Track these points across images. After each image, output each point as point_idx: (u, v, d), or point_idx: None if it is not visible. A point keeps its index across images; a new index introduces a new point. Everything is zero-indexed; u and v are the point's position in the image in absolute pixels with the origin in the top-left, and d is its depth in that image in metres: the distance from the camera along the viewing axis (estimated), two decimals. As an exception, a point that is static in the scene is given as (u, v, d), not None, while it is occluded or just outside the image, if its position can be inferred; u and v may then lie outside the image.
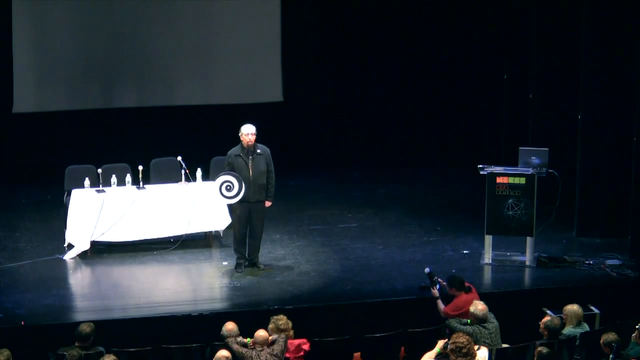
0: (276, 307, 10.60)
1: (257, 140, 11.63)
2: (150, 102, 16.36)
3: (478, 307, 9.80)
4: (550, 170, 11.97)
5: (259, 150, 11.66)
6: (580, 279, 11.65)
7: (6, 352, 9.08)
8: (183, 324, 10.51)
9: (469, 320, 9.81)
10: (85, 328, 9.48)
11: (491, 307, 9.94)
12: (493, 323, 9.83)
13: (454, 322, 9.91)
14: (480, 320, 9.76)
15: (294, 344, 9.72)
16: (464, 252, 12.47)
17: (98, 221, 12.21)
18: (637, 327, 9.46)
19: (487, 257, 12.05)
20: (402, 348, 10.01)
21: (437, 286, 10.52)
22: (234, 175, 11.53)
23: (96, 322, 9.81)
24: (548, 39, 13.95)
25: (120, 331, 10.32)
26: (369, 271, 11.88)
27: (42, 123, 16.00)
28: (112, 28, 15.91)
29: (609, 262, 12.04)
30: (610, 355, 9.00)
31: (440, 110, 16.98)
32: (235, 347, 9.40)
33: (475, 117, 16.71)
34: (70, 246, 12.31)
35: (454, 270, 11.32)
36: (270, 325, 9.65)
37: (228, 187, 11.56)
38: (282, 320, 9.64)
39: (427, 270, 10.57)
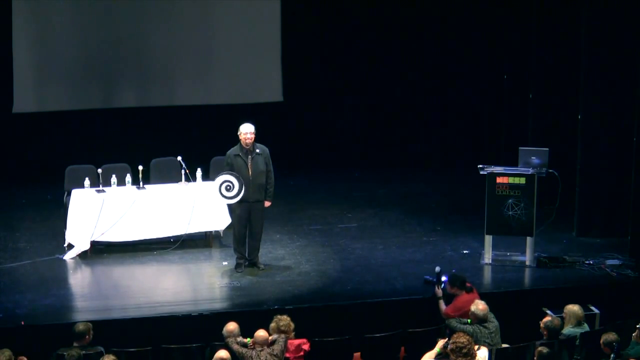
0: (276, 307, 10.60)
1: (257, 140, 11.64)
2: (150, 102, 16.34)
3: (479, 306, 9.79)
4: (550, 170, 11.96)
5: (258, 150, 11.66)
6: (580, 279, 11.64)
7: (7, 352, 9.06)
8: (183, 324, 10.50)
9: (469, 320, 9.81)
10: (80, 326, 9.49)
11: (491, 307, 9.92)
12: (493, 323, 9.82)
13: (454, 322, 9.90)
14: (480, 320, 9.76)
15: (294, 344, 9.71)
16: (464, 252, 12.47)
17: (98, 221, 12.21)
18: (637, 326, 9.45)
19: (487, 257, 12.05)
20: (402, 348, 10.01)
21: (442, 285, 10.51)
22: (233, 175, 11.53)
23: (96, 322, 9.82)
24: (548, 39, 13.94)
25: (120, 331, 10.32)
26: (369, 271, 11.88)
27: (42, 123, 15.99)
28: (112, 28, 15.90)
29: (609, 262, 12.04)
30: (611, 355, 8.99)
31: (440, 110, 16.98)
32: (235, 347, 9.39)
33: (475, 117, 16.71)
34: (70, 246, 12.31)
35: (453, 270, 11.32)
36: (272, 324, 9.62)
37: (228, 187, 11.56)
38: (284, 320, 9.61)
39: (437, 269, 10.54)
